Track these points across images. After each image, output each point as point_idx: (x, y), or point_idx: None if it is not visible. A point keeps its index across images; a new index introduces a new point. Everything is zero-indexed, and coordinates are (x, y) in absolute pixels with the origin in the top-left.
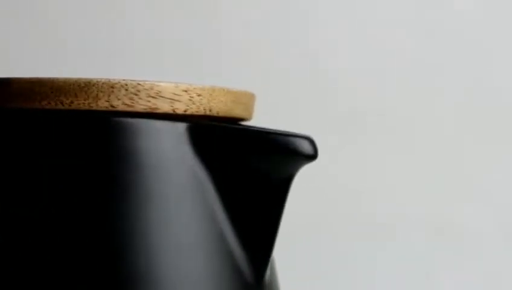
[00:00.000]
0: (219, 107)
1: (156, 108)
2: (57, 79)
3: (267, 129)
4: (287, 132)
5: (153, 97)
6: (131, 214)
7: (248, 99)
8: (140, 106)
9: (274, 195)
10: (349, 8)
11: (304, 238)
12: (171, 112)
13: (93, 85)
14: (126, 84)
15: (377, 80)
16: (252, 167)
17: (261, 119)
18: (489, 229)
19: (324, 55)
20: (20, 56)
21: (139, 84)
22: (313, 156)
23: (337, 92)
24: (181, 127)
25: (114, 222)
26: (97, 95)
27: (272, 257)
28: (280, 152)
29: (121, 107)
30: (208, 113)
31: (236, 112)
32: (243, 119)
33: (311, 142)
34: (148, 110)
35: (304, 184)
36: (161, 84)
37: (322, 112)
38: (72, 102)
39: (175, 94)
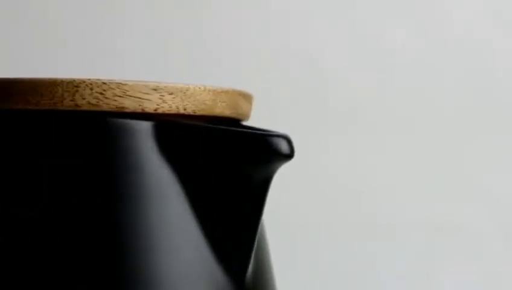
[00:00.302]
0: (196, 105)
1: (123, 107)
2: (23, 79)
3: (239, 127)
4: (261, 130)
5: (119, 96)
6: (91, 214)
7: (234, 97)
8: (107, 105)
9: (250, 197)
10: (349, 8)
11: (304, 238)
12: (140, 111)
13: (58, 85)
14: (91, 84)
15: (377, 80)
16: (224, 168)
17: (260, 119)
18: (489, 229)
19: (324, 55)
20: (20, 56)
21: (105, 83)
22: (288, 156)
23: (337, 92)
24: (146, 125)
25: (71, 220)
26: (62, 94)
27: (264, 244)
28: (252, 151)
29: (86, 107)
30: (182, 111)
31: (219, 110)
32: (232, 118)
33: (288, 140)
34: (115, 109)
35: (304, 184)
36: (128, 83)
37: (322, 112)
38: (38, 102)
39: (144, 93)
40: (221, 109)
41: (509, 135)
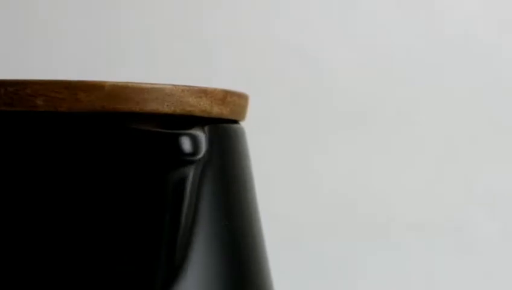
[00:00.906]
0: (116, 103)
1: (36, 107)
2: None
3: (138, 125)
4: (170, 128)
5: (32, 96)
6: None
7: (174, 93)
8: (20, 105)
9: (162, 202)
10: (350, 8)
11: (303, 238)
12: (53, 110)
13: None
14: (4, 83)
15: (376, 80)
16: (129, 170)
17: (261, 119)
18: (489, 229)
19: (324, 55)
20: (20, 56)
21: (17, 82)
22: (191, 154)
23: (337, 92)
24: (57, 125)
25: None
26: None
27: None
28: (152, 151)
29: (2, 108)
30: (99, 110)
31: (150, 108)
32: (186, 116)
33: (192, 139)
34: (29, 109)
35: (303, 184)
36: (40, 81)
37: (321, 111)
38: None
39: (55, 92)
40: (155, 106)
41: (510, 135)
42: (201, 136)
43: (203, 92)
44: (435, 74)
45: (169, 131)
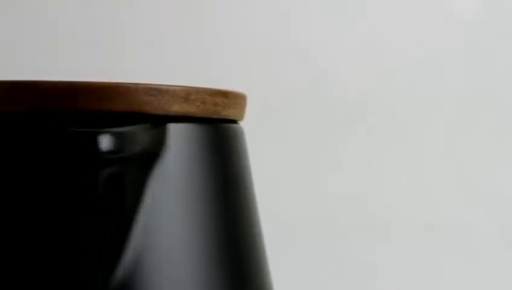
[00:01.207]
0: (66, 102)
1: None
2: None
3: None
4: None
5: None
6: None
7: (125, 91)
8: None
9: (91, 202)
10: (350, 8)
11: (303, 238)
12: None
13: None
14: None
15: (376, 81)
16: (53, 171)
17: (262, 119)
18: (489, 229)
19: (324, 55)
20: (19, 56)
21: None
22: (112, 152)
23: (337, 92)
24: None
25: None
26: None
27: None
28: (71, 150)
29: None
30: (39, 109)
31: (77, 106)
32: (131, 113)
33: (114, 136)
34: None
35: (303, 184)
36: None
37: (321, 112)
38: None
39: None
40: (109, 104)
41: (510, 135)
42: (131, 133)
43: (157, 90)
44: (435, 74)
45: (88, 130)
